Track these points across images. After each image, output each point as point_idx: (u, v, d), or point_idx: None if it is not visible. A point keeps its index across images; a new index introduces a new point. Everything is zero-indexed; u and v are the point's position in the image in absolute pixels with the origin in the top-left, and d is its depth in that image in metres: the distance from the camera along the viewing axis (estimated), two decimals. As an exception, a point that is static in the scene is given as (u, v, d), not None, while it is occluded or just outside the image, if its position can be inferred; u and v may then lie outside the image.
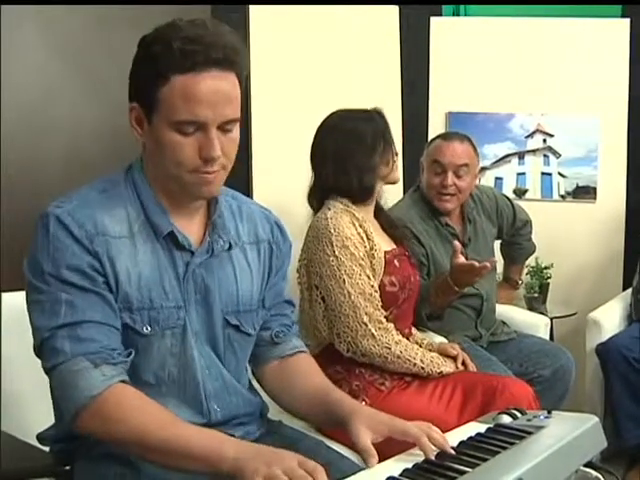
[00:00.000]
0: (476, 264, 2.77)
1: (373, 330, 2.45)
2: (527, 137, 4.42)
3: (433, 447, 1.46)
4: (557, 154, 4.39)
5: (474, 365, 2.69)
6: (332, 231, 2.48)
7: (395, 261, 2.58)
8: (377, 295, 2.49)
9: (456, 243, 2.87)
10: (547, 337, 3.59)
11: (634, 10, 4.27)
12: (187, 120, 1.54)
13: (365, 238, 2.51)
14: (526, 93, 4.37)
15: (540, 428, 1.56)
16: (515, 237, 3.66)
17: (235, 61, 1.56)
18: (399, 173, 2.75)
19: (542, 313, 3.82)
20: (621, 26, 4.29)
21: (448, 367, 2.58)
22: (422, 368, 2.51)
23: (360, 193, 2.59)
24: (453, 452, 1.44)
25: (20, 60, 2.79)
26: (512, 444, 1.47)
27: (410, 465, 1.40)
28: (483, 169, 4.36)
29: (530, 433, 1.53)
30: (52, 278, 1.54)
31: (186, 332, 1.65)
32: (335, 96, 3.74)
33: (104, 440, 1.54)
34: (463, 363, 2.66)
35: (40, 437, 1.74)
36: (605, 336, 3.58)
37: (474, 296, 3.28)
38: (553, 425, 1.59)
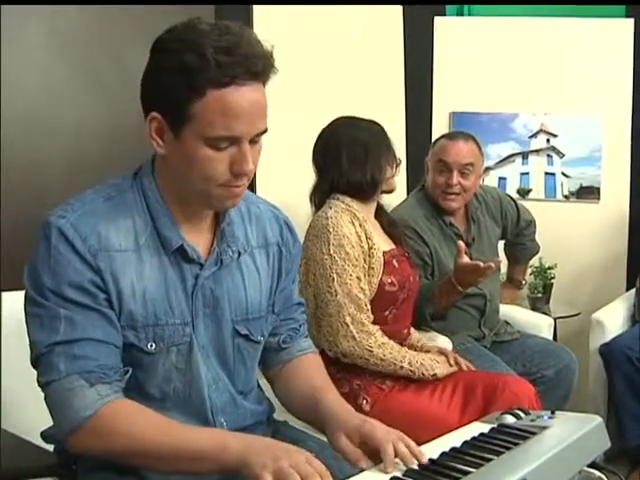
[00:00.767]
0: (480, 264, 2.77)
1: (354, 332, 2.45)
2: (531, 137, 4.42)
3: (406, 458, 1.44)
4: (561, 154, 4.39)
5: (468, 363, 2.68)
6: (330, 230, 2.49)
7: (394, 261, 2.58)
8: (364, 298, 2.48)
9: (460, 243, 2.88)
10: (550, 337, 3.59)
11: (638, 10, 4.26)
12: (224, 136, 1.47)
13: (364, 237, 2.51)
14: (530, 93, 4.36)
15: (544, 428, 1.56)
16: (519, 237, 3.66)
17: (270, 72, 1.51)
18: (396, 182, 2.76)
19: (545, 313, 3.82)
20: (625, 26, 4.29)
21: (441, 369, 2.56)
22: (411, 371, 2.50)
23: (370, 188, 2.60)
24: (416, 467, 1.41)
25: (23, 61, 2.79)
26: (516, 444, 1.47)
27: (414, 465, 1.41)
28: (487, 169, 4.34)
29: (534, 433, 1.53)
30: (52, 293, 1.50)
31: (192, 348, 1.62)
32: (339, 96, 3.75)
33: (103, 455, 1.52)
34: (456, 362, 2.64)
35: (44, 435, 1.72)
36: (608, 336, 3.58)
37: (477, 296, 3.28)
38: (557, 425, 1.58)
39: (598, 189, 4.37)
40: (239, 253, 1.69)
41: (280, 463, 1.34)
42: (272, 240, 1.78)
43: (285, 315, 1.84)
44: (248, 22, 3.46)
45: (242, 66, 1.45)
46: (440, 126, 4.40)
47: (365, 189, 2.60)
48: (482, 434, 1.55)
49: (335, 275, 2.46)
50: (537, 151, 4.42)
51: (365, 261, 2.50)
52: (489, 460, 1.39)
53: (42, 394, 1.53)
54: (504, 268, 3.75)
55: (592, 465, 1.55)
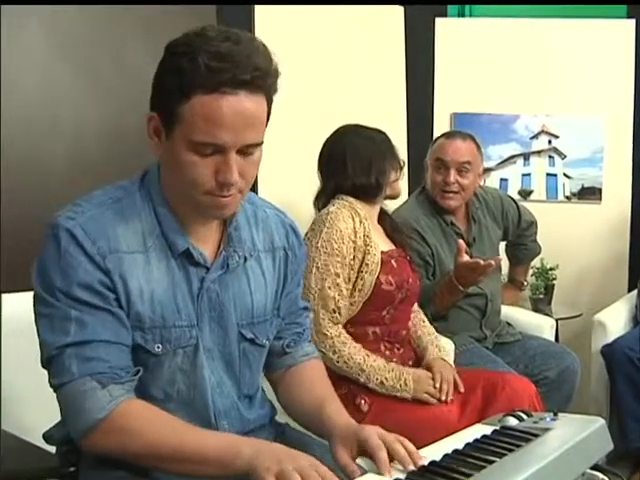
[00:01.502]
0: (481, 262, 2.78)
1: (313, 330, 2.42)
2: (532, 138, 4.42)
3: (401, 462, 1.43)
4: (562, 155, 4.39)
5: (454, 385, 2.55)
6: (326, 224, 2.50)
7: (392, 261, 2.57)
8: (338, 297, 2.46)
9: (460, 242, 2.88)
10: (552, 338, 3.59)
11: (639, 10, 4.25)
12: (205, 142, 1.46)
13: (362, 234, 2.50)
14: (531, 94, 4.36)
15: (546, 430, 1.55)
16: (520, 238, 3.66)
17: (263, 84, 1.48)
18: (401, 187, 2.77)
19: (547, 314, 3.81)
20: (626, 27, 4.28)
21: (408, 393, 2.48)
22: (367, 384, 2.47)
23: (374, 190, 2.61)
24: (414, 468, 1.40)
25: (23, 61, 2.78)
26: (518, 446, 1.46)
27: (412, 467, 1.40)
28: (488, 170, 4.35)
29: (536, 435, 1.52)
30: (62, 294, 1.50)
31: (198, 351, 1.63)
32: (340, 97, 3.76)
33: (116, 455, 1.53)
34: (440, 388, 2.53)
35: (46, 436, 1.72)
36: (610, 337, 3.58)
37: (479, 296, 3.28)
38: (559, 427, 1.58)
39: (600, 190, 4.37)
40: (245, 258, 1.69)
41: (283, 466, 1.35)
42: (278, 244, 1.78)
43: (290, 319, 1.84)
44: (249, 23, 3.46)
45: (229, 73, 1.43)
46: (441, 127, 4.39)
47: (369, 191, 2.61)
48: (484, 436, 1.54)
49: (315, 269, 2.47)
50: (539, 152, 4.42)
51: (356, 258, 2.49)
52: (492, 462, 1.38)
53: (43, 395, 1.53)
54: (505, 269, 3.75)
55: (595, 467, 1.54)
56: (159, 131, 1.53)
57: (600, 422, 1.62)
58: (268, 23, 3.54)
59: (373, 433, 1.50)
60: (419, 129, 4.26)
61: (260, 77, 1.46)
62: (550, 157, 4.40)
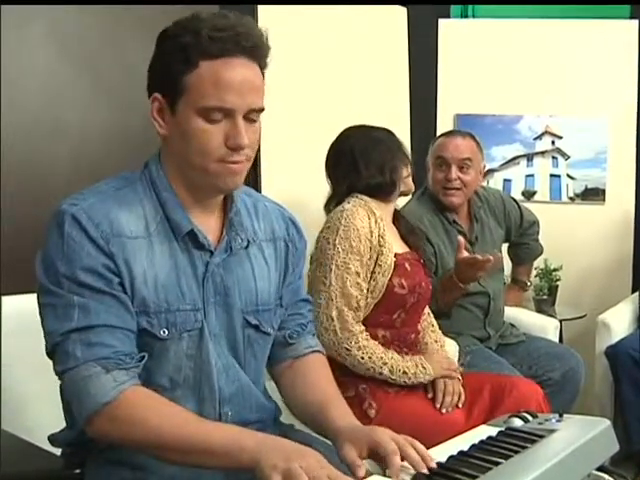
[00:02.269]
0: (479, 257, 2.80)
1: (337, 327, 2.43)
2: (535, 139, 4.41)
3: (407, 465, 1.42)
4: (566, 156, 4.38)
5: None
6: (342, 221, 2.49)
7: (406, 264, 2.56)
8: (359, 296, 2.46)
9: (460, 238, 2.90)
10: (556, 339, 3.59)
11: (643, 11, 4.26)
12: (215, 106, 1.52)
13: (377, 234, 2.50)
14: (534, 95, 4.36)
15: (552, 432, 1.56)
16: (522, 237, 3.67)
17: (262, 52, 1.57)
18: (412, 183, 2.77)
19: (551, 315, 3.81)
20: (630, 27, 4.28)
21: (429, 376, 2.51)
22: (391, 378, 2.47)
23: (389, 187, 2.62)
24: (426, 471, 1.39)
25: (26, 62, 2.79)
26: (524, 448, 1.46)
27: (425, 470, 1.39)
28: (491, 171, 4.37)
29: (542, 437, 1.52)
30: (66, 280, 1.51)
31: (203, 335, 1.63)
32: (343, 98, 3.75)
33: (119, 443, 1.53)
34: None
35: (52, 439, 1.73)
36: (615, 338, 3.57)
37: (481, 294, 3.29)
38: (565, 429, 1.58)
39: (603, 191, 4.36)
40: (248, 242, 1.71)
41: (290, 464, 1.33)
42: (279, 235, 1.80)
43: (292, 310, 1.84)
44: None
45: (233, 40, 1.52)
46: (445, 128, 4.36)
47: (384, 189, 2.61)
48: (490, 437, 1.54)
49: (334, 267, 2.45)
50: (542, 153, 4.41)
51: (371, 257, 2.48)
52: (497, 464, 1.38)
53: (47, 398, 1.53)
54: (508, 270, 3.74)
55: (600, 468, 1.54)
56: (163, 111, 1.58)
57: (605, 423, 1.62)
58: (271, 23, 3.52)
59: (386, 436, 1.49)
60: (422, 130, 4.25)
61: (259, 46, 1.57)
62: (553, 158, 4.40)
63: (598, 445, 1.56)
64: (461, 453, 1.45)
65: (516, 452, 1.44)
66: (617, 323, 3.64)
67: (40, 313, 1.56)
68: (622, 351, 3.49)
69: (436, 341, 2.76)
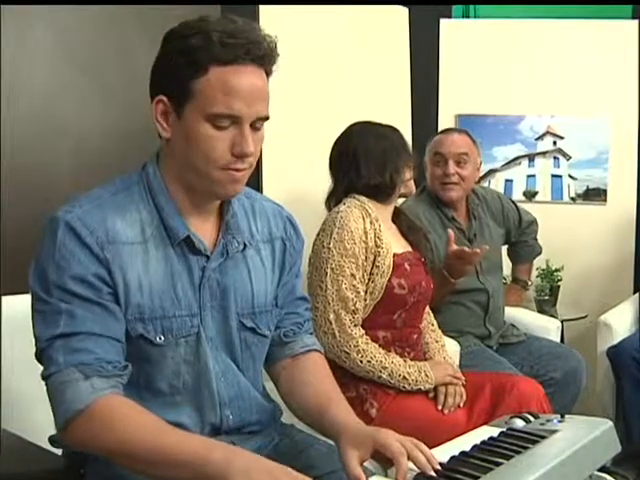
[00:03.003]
0: (466, 249, 2.79)
1: (336, 330, 2.44)
2: (537, 139, 4.41)
3: (414, 466, 1.41)
4: (567, 156, 4.38)
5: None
6: (337, 224, 2.49)
7: (406, 264, 2.55)
8: (356, 298, 2.45)
9: (450, 231, 2.90)
10: (558, 340, 3.58)
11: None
12: (223, 113, 1.51)
13: (372, 235, 2.49)
14: (536, 95, 4.36)
15: (553, 432, 1.55)
16: (522, 236, 3.68)
17: (271, 60, 1.57)
18: (414, 186, 2.77)
19: (553, 316, 3.81)
20: (632, 27, 4.27)
21: (429, 383, 2.50)
22: (390, 382, 2.47)
23: (388, 189, 2.61)
24: (433, 474, 1.39)
25: (29, 63, 2.78)
26: (525, 448, 1.46)
27: (431, 472, 1.39)
28: (493, 171, 4.37)
29: (543, 437, 1.52)
30: (56, 288, 1.51)
31: (200, 340, 1.63)
32: (344, 98, 3.75)
33: (93, 452, 1.52)
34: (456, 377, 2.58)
35: (52, 439, 1.72)
36: (616, 339, 3.57)
37: (480, 291, 3.30)
38: (566, 429, 1.58)
39: (605, 191, 4.36)
40: (244, 245, 1.70)
41: None
42: (277, 235, 1.79)
43: (288, 309, 1.84)
44: (255, 23, 3.46)
45: (244, 48, 1.51)
46: (446, 128, 4.39)
47: (383, 190, 2.60)
48: (492, 438, 1.54)
49: (329, 270, 2.45)
50: (544, 153, 4.41)
51: (368, 259, 2.48)
52: (499, 464, 1.38)
53: (43, 397, 1.53)
54: (508, 270, 3.74)
55: (602, 469, 1.54)
56: (167, 114, 1.56)
57: (607, 424, 1.62)
58: (272, 23, 3.53)
59: (392, 438, 1.47)
60: (424, 131, 4.24)
61: (269, 55, 1.56)
62: (555, 158, 4.40)
63: (600, 446, 1.56)
64: (463, 453, 1.45)
65: (518, 453, 1.44)
66: (619, 323, 3.63)
67: (32, 319, 1.56)
68: (624, 351, 3.49)
69: (436, 341, 2.76)
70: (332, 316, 2.44)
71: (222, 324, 1.67)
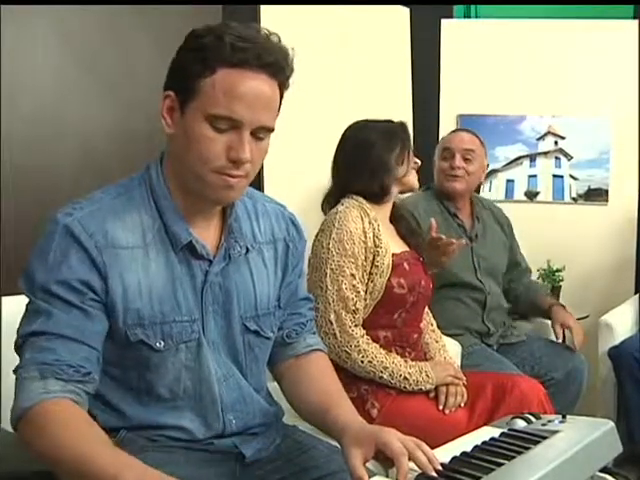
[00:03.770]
0: (443, 237, 2.78)
1: (336, 331, 2.44)
2: (538, 139, 4.41)
3: (415, 467, 1.40)
4: (569, 156, 4.38)
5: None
6: (336, 224, 2.49)
7: (405, 264, 2.55)
8: (356, 298, 2.45)
9: (432, 220, 2.87)
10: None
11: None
12: (223, 115, 1.50)
13: (371, 235, 2.49)
14: (537, 95, 4.35)
15: (555, 433, 1.55)
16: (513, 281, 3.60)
17: (284, 71, 1.56)
18: (414, 180, 2.71)
19: (554, 316, 3.79)
20: (633, 27, 4.27)
21: (430, 384, 2.49)
22: (390, 382, 2.47)
23: (377, 193, 2.59)
24: (435, 474, 1.38)
25: (32, 63, 2.78)
26: (527, 449, 1.46)
27: (432, 472, 1.39)
28: (494, 171, 4.36)
29: (545, 438, 1.52)
30: (40, 290, 1.50)
31: (201, 345, 1.62)
32: (345, 98, 3.75)
33: (35, 454, 1.45)
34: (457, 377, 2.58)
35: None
36: (617, 339, 3.57)
37: (477, 289, 3.33)
38: (568, 430, 1.58)
39: (606, 191, 4.35)
40: (247, 249, 1.70)
41: None
42: (279, 236, 1.79)
43: (291, 309, 1.84)
44: (255, 23, 3.46)
45: (254, 53, 1.50)
46: (447, 128, 4.37)
47: (376, 194, 2.59)
48: (493, 438, 1.54)
49: (329, 270, 2.45)
50: (545, 153, 4.41)
51: (367, 259, 2.48)
52: (500, 465, 1.37)
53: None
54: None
55: (604, 470, 1.54)
56: (173, 110, 1.56)
57: (609, 425, 1.61)
58: (273, 24, 3.52)
59: (393, 437, 1.46)
60: (425, 131, 4.25)
61: (280, 65, 1.54)
62: (556, 158, 4.40)
63: (601, 446, 1.55)
64: (464, 454, 1.45)
65: (519, 453, 1.44)
66: (620, 324, 3.63)
67: None
68: (625, 352, 3.48)
69: (437, 341, 2.76)
70: (333, 316, 2.44)
71: (225, 328, 1.67)
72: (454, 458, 1.43)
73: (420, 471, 1.40)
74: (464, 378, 2.55)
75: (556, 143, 4.39)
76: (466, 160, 3.34)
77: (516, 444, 1.49)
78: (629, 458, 3.26)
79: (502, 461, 1.39)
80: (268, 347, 1.78)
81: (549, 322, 3.59)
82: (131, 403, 1.62)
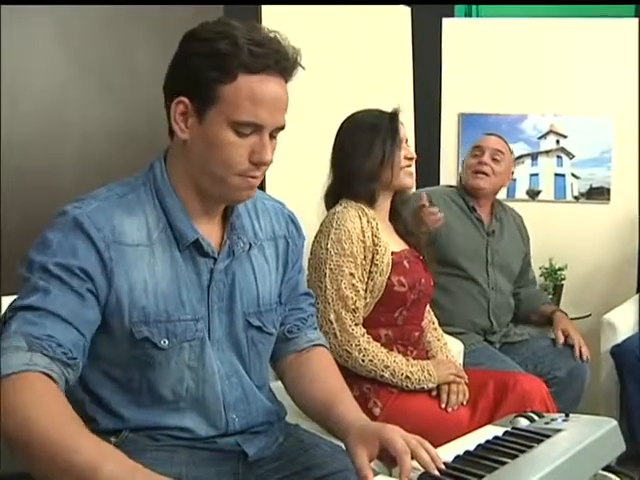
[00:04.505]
0: (426, 204, 2.83)
1: (337, 330, 2.44)
2: (540, 138, 4.40)
3: (416, 464, 1.40)
4: (570, 155, 4.38)
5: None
6: (334, 224, 2.49)
7: (405, 262, 2.55)
8: (355, 297, 2.45)
9: (423, 193, 2.94)
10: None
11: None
12: (249, 122, 1.53)
13: (370, 234, 2.49)
14: (539, 94, 4.35)
15: (558, 431, 1.55)
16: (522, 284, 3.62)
17: (295, 72, 1.60)
18: (412, 179, 2.66)
19: (556, 315, 3.79)
20: (634, 26, 4.27)
21: (432, 382, 2.49)
22: (392, 381, 2.46)
23: (365, 199, 2.57)
24: (437, 473, 1.38)
25: (33, 63, 2.79)
26: (530, 447, 1.46)
27: (435, 471, 1.39)
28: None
29: (548, 436, 1.52)
30: (38, 267, 1.47)
31: (205, 345, 1.63)
32: (347, 98, 3.74)
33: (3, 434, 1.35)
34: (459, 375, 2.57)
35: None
36: (620, 338, 3.57)
37: (485, 282, 3.35)
38: (571, 428, 1.58)
39: (608, 190, 4.35)
40: (250, 245, 1.71)
41: None
42: (279, 233, 1.80)
43: (292, 305, 1.85)
44: (256, 23, 3.46)
45: (273, 59, 1.53)
46: (449, 127, 4.39)
47: (363, 198, 2.56)
48: (496, 437, 1.54)
49: (328, 270, 2.45)
50: (547, 152, 4.41)
51: (366, 258, 2.47)
52: (503, 463, 1.37)
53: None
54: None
55: (607, 468, 1.54)
56: (186, 116, 1.56)
57: (612, 423, 1.61)
58: (274, 23, 3.51)
59: (397, 435, 1.46)
60: (426, 129, 4.25)
61: (295, 66, 1.60)
62: (558, 157, 4.39)
63: (604, 445, 1.55)
64: (467, 453, 1.45)
65: (522, 452, 1.44)
66: (622, 322, 3.63)
67: None
68: (627, 351, 3.48)
69: (438, 339, 2.76)
70: (333, 316, 2.44)
71: (228, 324, 1.67)
72: (457, 457, 1.43)
73: (423, 470, 1.40)
74: (466, 376, 2.55)
75: (558, 142, 4.39)
76: (494, 160, 3.39)
77: (519, 443, 1.49)
78: (632, 456, 3.27)
79: (505, 460, 1.39)
80: (271, 343, 1.79)
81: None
82: (132, 406, 1.62)
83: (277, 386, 1.87)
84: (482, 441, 1.51)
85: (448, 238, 3.27)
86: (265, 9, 3.51)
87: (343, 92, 3.79)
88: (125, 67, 2.99)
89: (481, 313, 3.33)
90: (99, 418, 1.60)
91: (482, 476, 1.32)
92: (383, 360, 2.45)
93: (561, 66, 4.31)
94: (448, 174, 4.38)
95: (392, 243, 2.56)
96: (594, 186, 4.37)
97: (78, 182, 2.85)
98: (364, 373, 2.46)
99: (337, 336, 2.44)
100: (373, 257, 2.48)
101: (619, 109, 4.30)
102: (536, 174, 4.42)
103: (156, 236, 1.59)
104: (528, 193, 4.40)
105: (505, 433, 1.56)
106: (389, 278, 2.50)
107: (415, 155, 2.66)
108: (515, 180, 4.41)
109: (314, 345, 1.86)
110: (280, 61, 1.54)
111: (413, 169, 2.65)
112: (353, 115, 2.67)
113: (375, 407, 2.46)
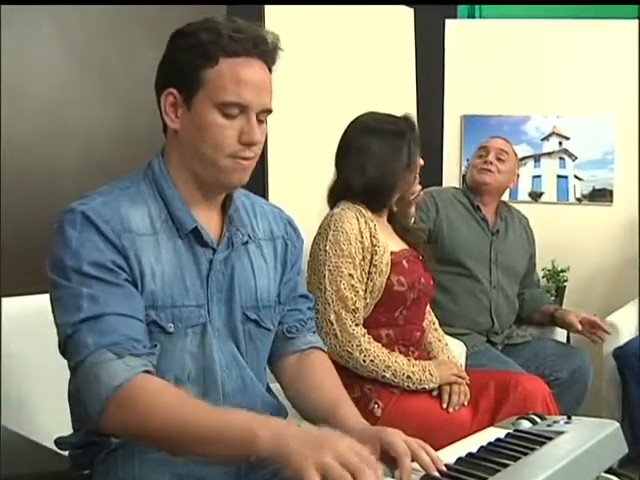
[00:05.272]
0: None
1: (337, 331, 2.43)
2: (543, 140, 4.41)
3: (417, 467, 1.40)
4: (573, 157, 4.37)
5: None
6: (332, 226, 2.48)
7: (404, 262, 2.55)
8: (355, 297, 2.44)
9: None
10: (564, 340, 3.58)
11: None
12: (233, 102, 1.57)
13: (368, 235, 2.48)
14: (542, 95, 4.36)
15: (560, 434, 1.54)
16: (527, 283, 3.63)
17: (275, 56, 1.64)
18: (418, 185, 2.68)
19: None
20: (637, 27, 4.26)
21: (433, 382, 2.48)
22: (394, 381, 2.45)
23: (376, 207, 2.56)
24: (437, 474, 1.37)
25: (34, 63, 2.78)
26: (532, 450, 1.45)
27: (435, 473, 1.38)
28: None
29: (550, 439, 1.51)
30: (74, 273, 1.51)
31: (206, 331, 1.64)
32: (349, 99, 3.75)
33: (133, 436, 1.49)
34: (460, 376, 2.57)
35: (59, 442, 1.72)
36: (622, 340, 3.57)
37: (487, 281, 3.37)
38: (573, 431, 1.57)
39: (611, 192, 4.35)
40: (249, 236, 1.74)
41: (324, 456, 1.24)
42: (278, 234, 1.83)
43: (291, 305, 1.85)
44: (260, 23, 3.46)
45: (252, 43, 1.59)
46: (451, 129, 4.39)
47: (374, 207, 2.56)
48: (498, 439, 1.53)
49: (327, 272, 2.45)
50: (549, 154, 4.41)
51: (365, 258, 2.47)
52: (505, 466, 1.37)
53: (56, 400, 1.51)
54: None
55: (609, 471, 1.53)
56: (176, 106, 1.61)
57: (614, 425, 1.61)
58: (277, 24, 3.52)
59: (397, 437, 1.47)
60: (429, 131, 4.24)
61: (274, 51, 1.63)
62: (561, 159, 4.40)
63: (607, 447, 1.55)
64: (469, 455, 1.44)
65: (524, 454, 1.43)
66: (624, 324, 3.63)
67: (52, 309, 1.55)
68: (630, 353, 3.48)
69: (439, 340, 2.75)
70: (333, 317, 2.44)
71: (227, 315, 1.69)
72: (459, 459, 1.42)
73: (425, 472, 1.39)
74: (467, 377, 2.55)
75: (560, 143, 4.39)
76: (499, 159, 3.44)
77: (521, 445, 1.48)
78: (634, 458, 3.26)
79: (508, 462, 1.38)
80: (268, 340, 1.79)
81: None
82: None
83: (276, 388, 1.87)
84: (484, 443, 1.50)
85: (452, 236, 3.29)
86: (268, 9, 3.51)
87: (345, 92, 3.79)
88: (125, 67, 2.99)
89: (483, 312, 3.33)
90: None
91: (484, 478, 1.31)
92: (384, 360, 2.45)
93: (564, 67, 4.32)
94: (450, 175, 4.38)
95: (391, 243, 2.56)
96: (597, 188, 4.37)
97: (79, 182, 2.84)
98: (365, 373, 2.46)
99: (338, 337, 2.43)
100: (372, 257, 2.48)
101: (622, 111, 4.30)
102: (539, 176, 4.42)
103: (159, 226, 1.62)
104: (531, 195, 4.40)
105: (507, 435, 1.56)
106: (388, 278, 2.49)
107: (422, 162, 2.67)
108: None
109: (313, 348, 1.86)
110: (259, 44, 1.59)
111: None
112: (359, 119, 2.65)
113: (377, 408, 2.45)
